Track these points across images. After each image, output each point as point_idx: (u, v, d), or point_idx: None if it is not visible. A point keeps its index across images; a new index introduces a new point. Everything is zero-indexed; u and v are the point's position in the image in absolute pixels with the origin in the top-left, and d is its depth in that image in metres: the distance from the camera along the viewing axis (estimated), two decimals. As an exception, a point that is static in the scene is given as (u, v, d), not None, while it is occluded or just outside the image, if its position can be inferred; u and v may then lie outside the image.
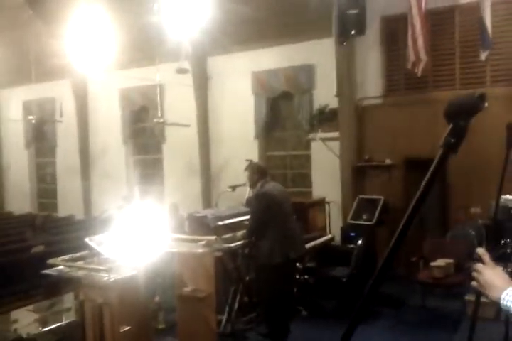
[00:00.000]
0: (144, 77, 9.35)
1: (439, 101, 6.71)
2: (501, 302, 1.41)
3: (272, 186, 4.98)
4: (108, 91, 11.01)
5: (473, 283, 1.52)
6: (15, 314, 4.12)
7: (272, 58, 8.68)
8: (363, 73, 7.79)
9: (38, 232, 7.49)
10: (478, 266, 1.51)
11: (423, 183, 1.09)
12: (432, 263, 5.71)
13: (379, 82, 7.74)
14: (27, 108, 12.69)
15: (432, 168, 1.08)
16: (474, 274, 1.51)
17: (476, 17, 6.62)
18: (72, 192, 11.84)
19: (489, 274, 1.48)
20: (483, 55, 6.64)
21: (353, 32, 7.06)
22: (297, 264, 6.21)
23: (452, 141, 1.07)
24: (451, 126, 1.08)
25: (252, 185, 5.11)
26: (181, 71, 8.87)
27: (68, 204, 12.00)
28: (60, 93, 11.76)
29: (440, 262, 5.70)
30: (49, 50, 9.90)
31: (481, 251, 1.59)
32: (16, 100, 12.94)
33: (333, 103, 7.95)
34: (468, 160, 5.92)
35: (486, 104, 1.10)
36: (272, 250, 4.70)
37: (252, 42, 8.74)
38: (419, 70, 7.00)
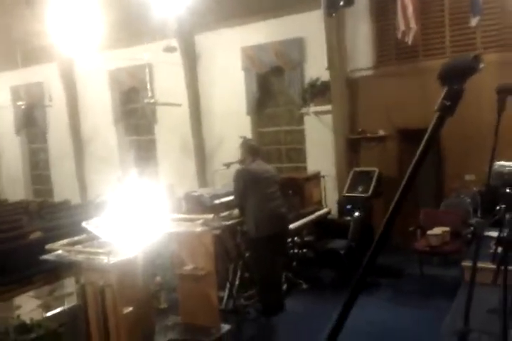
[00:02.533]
0: (132, 57, 9.21)
1: (431, 70, 6.62)
2: None
3: (256, 164, 5.04)
4: (96, 73, 10.84)
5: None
6: (17, 300, 4.15)
7: (261, 33, 8.53)
8: (354, 45, 7.69)
9: (34, 218, 7.48)
10: None
11: (419, 149, 1.06)
12: (429, 232, 5.77)
13: (369, 53, 7.66)
14: (15, 93, 12.51)
15: (427, 133, 1.06)
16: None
17: (465, -18, 6.52)
18: (66, 177, 11.80)
19: None
20: (474, 21, 6.55)
21: (341, 3, 6.94)
22: (295, 238, 6.28)
23: (448, 104, 1.04)
24: (446, 88, 1.05)
25: (241, 162, 5.17)
26: (169, 49, 8.73)
27: (63, 189, 11.96)
28: (48, 77, 11.58)
29: (436, 230, 5.76)
30: (34, 33, 9.70)
31: None
32: (3, 86, 12.74)
33: (325, 76, 7.87)
34: (461, 127, 5.92)
35: (482, 65, 1.06)
36: (253, 225, 4.88)
37: (239, 17, 8.58)
38: (409, 39, 6.93)
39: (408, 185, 1.07)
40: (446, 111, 1.04)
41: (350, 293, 1.14)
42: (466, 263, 4.97)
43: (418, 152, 1.06)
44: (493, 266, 4.39)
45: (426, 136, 1.06)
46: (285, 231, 5.30)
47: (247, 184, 4.92)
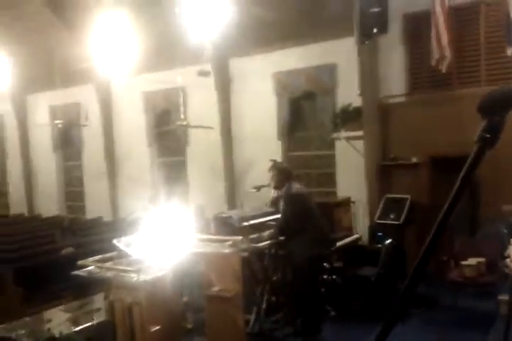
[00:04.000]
0: (167, 80, 9.44)
1: (464, 99, 6.61)
2: None
3: (299, 187, 5.07)
4: (131, 95, 11.14)
5: (507, 268, 1.49)
6: (47, 314, 4.20)
7: (294, 59, 8.66)
8: (386, 71, 7.71)
9: (66, 234, 7.61)
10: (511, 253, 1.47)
11: (457, 182, 1.04)
12: (463, 262, 5.61)
13: (402, 80, 7.66)
14: (53, 113, 12.94)
15: (466, 165, 1.03)
16: (507, 260, 1.48)
17: (501, 12, 6.50)
18: (99, 195, 12.02)
19: None
20: (510, 51, 6.51)
21: (375, 30, 7.00)
22: (325, 264, 6.20)
23: (487, 136, 1.01)
24: (486, 121, 1.02)
25: (278, 187, 5.17)
26: (203, 73, 8.94)
27: (95, 206, 12.18)
28: (85, 97, 11.95)
29: (471, 261, 5.60)
30: (73, 55, 10.09)
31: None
32: (43, 105, 13.20)
33: (356, 102, 7.89)
34: (498, 154, 5.79)
35: None
36: (306, 247, 4.83)
37: (273, 43, 8.74)
38: (443, 67, 6.91)
39: (446, 217, 1.04)
40: (486, 143, 1.01)
41: (385, 323, 1.11)
42: (503, 297, 4.81)
43: (456, 184, 1.03)
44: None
45: (464, 168, 1.03)
46: (329, 252, 5.35)
47: (303, 207, 4.96)
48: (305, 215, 4.93)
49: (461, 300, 5.70)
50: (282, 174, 5.10)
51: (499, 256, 5.42)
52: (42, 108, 13.24)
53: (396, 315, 1.12)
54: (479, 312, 5.49)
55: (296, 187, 5.09)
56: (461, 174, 1.04)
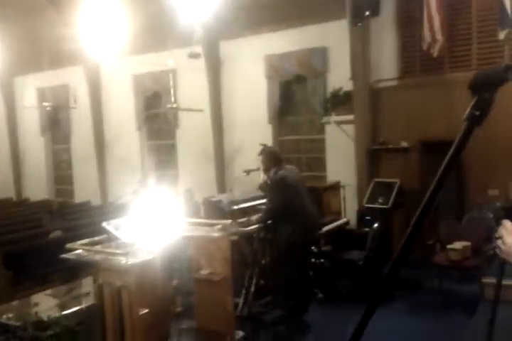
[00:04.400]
0: (157, 62, 9.32)
1: (456, 83, 6.60)
2: None
3: (288, 171, 5.03)
4: (121, 77, 11.00)
5: (497, 249, 1.50)
6: (35, 298, 4.20)
7: (285, 41, 8.57)
8: (378, 55, 7.67)
9: (54, 218, 7.58)
10: (502, 233, 1.48)
11: (446, 159, 1.06)
12: (449, 246, 5.68)
13: (394, 64, 7.62)
14: (41, 95, 12.76)
15: (455, 143, 1.05)
16: (498, 241, 1.49)
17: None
18: (87, 179, 11.95)
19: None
20: (502, 35, 6.50)
21: (367, 13, 6.94)
22: (313, 248, 6.25)
23: (477, 113, 1.04)
24: (475, 98, 1.05)
25: (266, 170, 5.14)
26: (193, 56, 8.82)
27: (84, 190, 12.12)
28: (73, 79, 11.79)
29: (457, 245, 5.66)
30: (61, 37, 9.90)
31: (501, 227, 1.55)
32: (30, 87, 13.01)
33: (347, 86, 7.86)
34: (486, 140, 5.84)
35: None
36: (293, 232, 4.81)
37: (264, 25, 8.64)
38: (435, 51, 6.88)
39: (434, 195, 1.06)
40: (475, 120, 1.04)
41: (369, 305, 1.13)
42: (487, 280, 4.88)
43: (445, 161, 1.06)
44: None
45: (453, 145, 1.05)
46: (317, 236, 5.36)
47: (290, 192, 4.91)
48: (291, 200, 4.89)
49: (446, 284, 5.79)
50: (270, 158, 5.08)
51: (484, 240, 5.50)
52: (30, 90, 13.05)
53: (380, 297, 1.13)
54: (463, 296, 5.59)
55: (285, 171, 5.03)
56: (450, 151, 1.05)
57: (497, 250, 1.54)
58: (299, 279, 4.99)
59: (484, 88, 1.05)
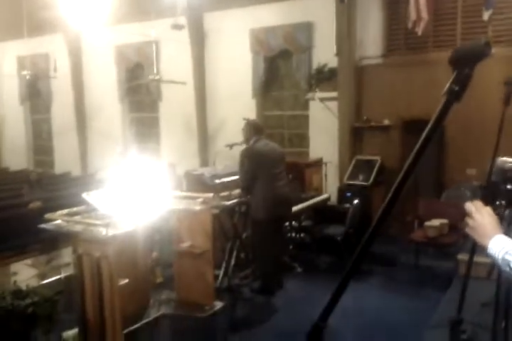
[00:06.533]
0: (140, 33, 9.11)
1: (440, 62, 6.57)
2: (488, 251, 1.43)
3: (263, 144, 4.99)
4: (102, 47, 10.75)
5: (467, 228, 1.53)
6: (14, 267, 4.18)
7: (271, 15, 8.44)
8: (363, 32, 7.62)
9: (34, 188, 7.50)
10: (471, 210, 1.50)
11: (424, 133, 1.06)
12: (427, 223, 5.79)
13: (379, 42, 7.59)
14: (21, 63, 12.42)
15: (434, 117, 1.06)
16: (467, 219, 1.52)
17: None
18: (68, 149, 11.79)
19: (480, 219, 1.48)
20: (486, 15, 6.50)
21: (354, -11, 6.86)
22: (293, 223, 6.31)
23: (456, 88, 1.04)
24: (455, 73, 1.05)
25: (246, 141, 5.12)
26: (177, 27, 8.63)
27: (65, 161, 11.97)
28: (54, 48, 11.48)
29: (434, 222, 5.78)
30: (41, 3, 9.60)
31: (469, 204, 1.57)
32: (10, 55, 12.65)
33: (333, 62, 7.82)
34: (465, 120, 5.91)
35: (493, 51, 1.06)
36: (258, 206, 4.83)
37: (250, -3, 8.49)
38: (420, 29, 6.87)
39: (410, 169, 1.06)
40: (454, 95, 1.04)
41: (343, 277, 1.15)
42: (462, 256, 5.01)
43: (422, 136, 1.06)
44: (489, 261, 4.44)
45: (432, 120, 1.05)
46: (289, 213, 5.34)
47: (255, 164, 4.87)
48: (258, 172, 4.84)
49: (423, 260, 5.94)
50: (252, 130, 5.05)
51: (461, 218, 5.63)
52: (9, 58, 12.70)
53: (354, 269, 1.15)
54: (439, 272, 5.73)
55: (262, 143, 4.98)
56: (428, 126, 1.06)
57: (466, 228, 1.56)
58: (270, 254, 4.99)
59: (464, 63, 1.05)
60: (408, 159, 1.07)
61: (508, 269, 1.36)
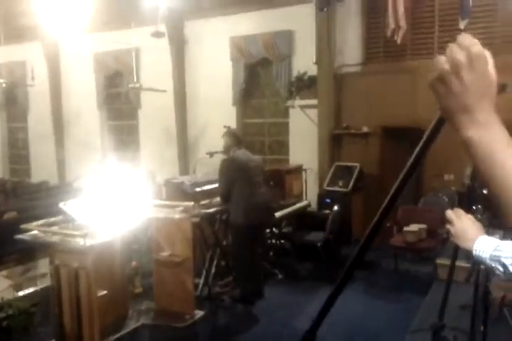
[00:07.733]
0: (119, 40, 9.07)
1: (418, 70, 6.71)
2: (473, 253, 1.44)
3: (241, 153, 5.01)
4: (81, 55, 10.65)
5: (449, 234, 1.54)
6: (-11, 279, 4.10)
7: (251, 23, 8.48)
8: (343, 40, 7.70)
9: (9, 198, 7.36)
10: (451, 217, 1.52)
11: (417, 149, 1.01)
12: (405, 228, 5.84)
13: (358, 50, 7.68)
14: (-4, 71, 12.23)
15: (428, 132, 1.01)
16: (447, 226, 1.53)
17: (456, -16, 6.56)
18: (45, 158, 11.61)
19: (460, 225, 1.49)
20: (462, 24, 6.62)
21: (333, -2, 6.94)
22: (274, 229, 6.31)
23: None
24: None
25: (225, 152, 5.13)
26: (157, 35, 8.60)
27: (41, 170, 11.78)
28: (31, 56, 11.33)
29: (413, 227, 5.83)
30: (18, 10, 9.50)
31: (449, 211, 1.59)
32: (-15, 63, 12.45)
33: (312, 70, 7.87)
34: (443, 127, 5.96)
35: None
36: (238, 214, 4.82)
37: (230, 6, 8.51)
38: (398, 38, 6.97)
39: (402, 186, 1.00)
40: None
41: (335, 288, 1.12)
42: (440, 261, 5.07)
43: (416, 151, 0.99)
44: (468, 265, 4.49)
45: (425, 136, 0.98)
46: (269, 219, 5.34)
47: (235, 173, 4.89)
48: (235, 180, 4.87)
49: (402, 265, 5.99)
50: (231, 139, 5.07)
51: (439, 223, 5.68)
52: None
53: (347, 279, 1.13)
54: (418, 276, 5.79)
55: (240, 152, 5.02)
56: (421, 142, 0.99)
57: (448, 234, 1.58)
58: (248, 261, 4.99)
59: None
60: (403, 171, 1.01)
61: (498, 265, 1.35)
